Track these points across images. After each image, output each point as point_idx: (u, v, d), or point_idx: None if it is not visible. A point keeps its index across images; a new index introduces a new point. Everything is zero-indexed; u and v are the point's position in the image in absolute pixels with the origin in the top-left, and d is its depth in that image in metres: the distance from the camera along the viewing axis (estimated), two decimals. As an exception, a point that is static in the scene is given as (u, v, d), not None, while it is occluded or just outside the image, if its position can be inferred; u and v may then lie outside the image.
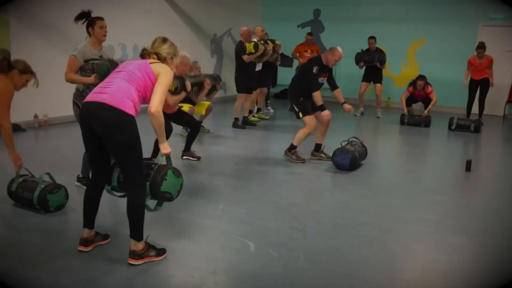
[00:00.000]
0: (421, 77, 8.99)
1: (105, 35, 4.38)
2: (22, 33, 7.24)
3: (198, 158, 5.77)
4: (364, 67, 10.00)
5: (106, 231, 3.38)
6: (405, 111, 9.13)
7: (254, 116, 8.72)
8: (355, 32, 12.01)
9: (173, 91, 4.76)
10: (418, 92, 9.03)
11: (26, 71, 3.76)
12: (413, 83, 9.05)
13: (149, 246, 3.07)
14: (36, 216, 3.78)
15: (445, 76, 10.89)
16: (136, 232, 3.00)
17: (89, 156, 3.15)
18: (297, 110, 5.79)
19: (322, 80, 5.77)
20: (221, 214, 4.00)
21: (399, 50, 11.50)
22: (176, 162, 5.51)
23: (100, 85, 3.03)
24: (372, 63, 9.69)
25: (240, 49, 7.84)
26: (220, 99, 10.90)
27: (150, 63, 3.06)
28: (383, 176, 5.52)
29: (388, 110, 11.11)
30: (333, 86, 5.98)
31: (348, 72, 12.11)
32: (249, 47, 7.74)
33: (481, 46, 9.09)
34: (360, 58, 9.82)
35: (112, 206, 3.96)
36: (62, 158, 5.60)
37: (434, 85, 9.33)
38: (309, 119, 5.70)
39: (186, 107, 6.63)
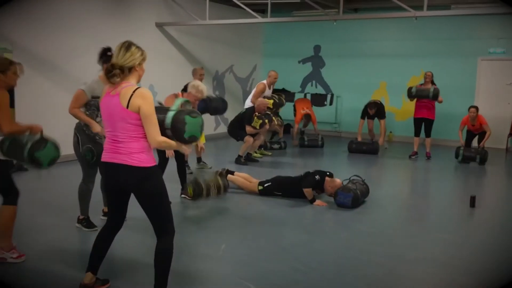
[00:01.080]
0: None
1: None
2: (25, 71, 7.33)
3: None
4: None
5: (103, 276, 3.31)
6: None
7: (256, 152, 8.73)
8: (355, 66, 12.16)
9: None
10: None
11: (5, 66, 3.55)
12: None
13: None
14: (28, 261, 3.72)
15: (445, 110, 10.92)
16: (163, 282, 2.92)
17: (109, 202, 3.13)
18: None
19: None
20: (222, 255, 3.94)
21: (400, 84, 11.57)
22: (174, 200, 5.50)
23: (110, 140, 2.92)
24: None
25: (249, 116, 8.16)
26: (221, 135, 10.93)
27: (120, 100, 2.82)
28: (386, 213, 5.46)
29: (390, 143, 11.10)
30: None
31: (349, 106, 12.20)
32: (256, 123, 8.07)
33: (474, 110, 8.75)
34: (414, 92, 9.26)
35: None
36: (65, 197, 5.56)
37: (435, 119, 9.33)
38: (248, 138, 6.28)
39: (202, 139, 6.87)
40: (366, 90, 12.06)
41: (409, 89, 8.98)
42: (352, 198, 5.39)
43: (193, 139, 3.09)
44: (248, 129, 8.08)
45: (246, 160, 8.12)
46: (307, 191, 5.60)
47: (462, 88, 11.04)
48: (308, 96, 12.37)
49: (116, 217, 3.13)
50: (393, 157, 9.42)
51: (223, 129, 11.51)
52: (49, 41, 7.59)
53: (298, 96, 12.37)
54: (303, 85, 13.01)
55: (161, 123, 2.94)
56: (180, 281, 3.39)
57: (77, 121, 4.44)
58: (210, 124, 11.69)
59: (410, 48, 11.55)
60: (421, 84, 9.19)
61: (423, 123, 9.11)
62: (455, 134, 9.16)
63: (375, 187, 6.19)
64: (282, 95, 9.33)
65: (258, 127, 8.09)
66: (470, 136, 9.06)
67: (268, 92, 8.77)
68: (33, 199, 5.07)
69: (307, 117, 10.46)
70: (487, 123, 8.78)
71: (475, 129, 8.89)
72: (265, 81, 8.75)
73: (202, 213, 5.20)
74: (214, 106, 6.62)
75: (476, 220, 5.39)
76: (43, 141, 3.58)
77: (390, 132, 11.75)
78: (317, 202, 5.60)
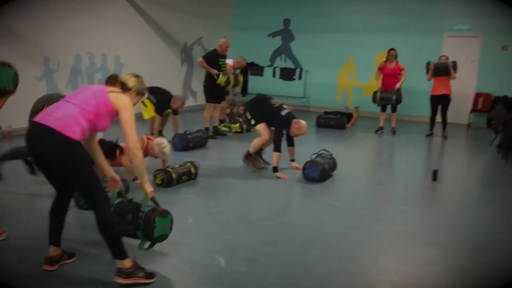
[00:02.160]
0: (392, 48, 9.17)
1: None
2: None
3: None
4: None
5: (72, 249, 3.29)
6: (379, 84, 9.23)
7: (224, 126, 8.70)
8: (324, 41, 12.18)
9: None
10: (390, 66, 9.14)
11: None
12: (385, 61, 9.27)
13: (137, 267, 2.96)
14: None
15: (411, 86, 11.13)
16: (116, 251, 2.90)
17: (44, 174, 3.06)
18: (250, 117, 5.99)
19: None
20: (191, 229, 3.96)
21: (367, 60, 11.69)
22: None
23: (52, 106, 2.95)
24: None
25: (213, 60, 7.80)
26: (190, 108, 10.84)
27: (110, 91, 2.98)
28: (353, 187, 5.58)
29: (357, 118, 11.25)
30: (290, 143, 6.02)
31: (318, 81, 12.26)
32: (221, 79, 7.81)
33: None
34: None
35: (78, 222, 3.86)
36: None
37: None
38: (261, 128, 5.86)
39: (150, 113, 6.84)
40: (335, 65, 12.15)
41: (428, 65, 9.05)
42: (320, 172, 5.48)
43: (162, 238, 3.27)
44: (200, 61, 7.75)
45: (213, 133, 8.08)
46: (275, 156, 5.67)
47: (428, 64, 11.23)
48: (277, 70, 12.35)
49: (56, 187, 3.08)
50: (360, 132, 9.59)
51: (191, 102, 11.41)
52: (13, 9, 7.24)
53: (267, 70, 12.35)
54: (273, 59, 12.97)
55: (135, 220, 3.17)
56: (149, 256, 3.39)
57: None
58: (179, 97, 11.55)
59: (378, 23, 11.63)
60: (385, 61, 9.29)
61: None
62: (420, 110, 9.39)
63: (342, 161, 6.29)
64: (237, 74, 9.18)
65: (222, 84, 7.87)
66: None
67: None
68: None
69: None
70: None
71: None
72: (231, 62, 8.59)
73: (169, 188, 5.18)
74: None
75: (437, 193, 5.58)
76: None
77: (358, 107, 11.90)
78: (279, 174, 5.68)
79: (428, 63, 9.13)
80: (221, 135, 8.17)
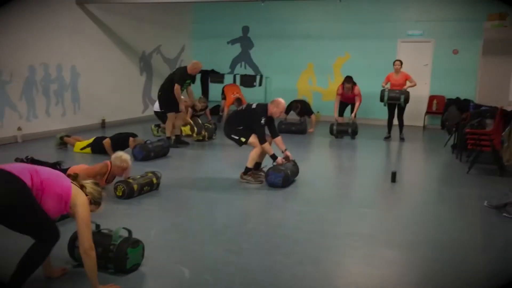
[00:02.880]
0: (348, 79, 9.36)
1: None
2: None
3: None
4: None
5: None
6: (336, 116, 9.47)
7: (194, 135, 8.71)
8: (283, 47, 12.32)
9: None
10: (347, 93, 9.40)
11: None
12: (342, 84, 9.44)
13: None
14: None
15: (367, 90, 11.41)
16: (20, 281, 2.72)
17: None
18: (237, 137, 5.78)
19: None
20: (153, 240, 3.90)
21: (326, 65, 11.91)
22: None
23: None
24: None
25: (180, 77, 7.79)
26: (150, 118, 10.70)
27: (73, 183, 2.95)
28: (315, 191, 5.65)
29: (317, 123, 11.42)
30: (274, 134, 5.94)
31: (278, 87, 12.36)
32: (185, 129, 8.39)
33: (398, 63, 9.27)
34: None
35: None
36: None
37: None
38: (254, 139, 5.70)
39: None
40: (294, 71, 12.31)
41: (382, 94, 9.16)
42: (283, 178, 5.52)
43: (135, 267, 3.28)
44: (177, 89, 7.67)
45: (175, 142, 8.01)
46: (265, 147, 5.63)
47: (383, 68, 11.50)
48: (238, 77, 12.38)
49: None
50: (320, 136, 9.72)
51: (150, 110, 11.25)
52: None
53: (227, 77, 12.35)
54: (232, 66, 13.01)
55: (106, 253, 3.17)
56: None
57: None
58: (138, 106, 11.41)
59: (335, 30, 11.88)
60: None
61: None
62: (378, 113, 9.64)
63: (304, 166, 6.36)
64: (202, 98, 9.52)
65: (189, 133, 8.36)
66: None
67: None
68: None
69: (238, 101, 10.50)
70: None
71: (399, 84, 9.23)
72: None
73: (125, 199, 5.09)
74: None
75: (396, 194, 5.72)
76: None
77: (318, 112, 12.08)
78: (279, 159, 5.66)
79: (382, 91, 9.21)
80: (183, 144, 8.10)
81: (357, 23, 11.66)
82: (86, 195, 2.97)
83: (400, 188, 5.87)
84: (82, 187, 3.00)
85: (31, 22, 8.14)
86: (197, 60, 8.27)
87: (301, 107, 10.17)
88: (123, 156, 5.10)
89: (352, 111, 9.57)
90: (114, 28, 10.22)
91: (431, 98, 11.36)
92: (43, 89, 8.56)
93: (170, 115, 7.93)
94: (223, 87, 11.19)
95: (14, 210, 2.65)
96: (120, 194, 4.95)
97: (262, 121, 5.63)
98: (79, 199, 2.85)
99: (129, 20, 10.65)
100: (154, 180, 5.28)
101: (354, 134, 9.21)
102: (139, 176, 5.18)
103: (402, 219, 4.67)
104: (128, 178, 5.11)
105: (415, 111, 11.20)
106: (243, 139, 5.75)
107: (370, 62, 11.58)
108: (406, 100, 8.98)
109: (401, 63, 9.24)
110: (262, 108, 5.75)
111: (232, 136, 5.85)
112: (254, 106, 5.82)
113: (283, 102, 5.76)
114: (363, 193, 5.68)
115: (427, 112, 11.37)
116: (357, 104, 9.44)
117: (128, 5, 10.12)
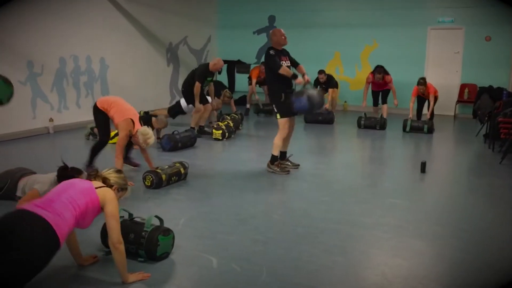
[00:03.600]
0: (379, 69, 9.17)
1: None
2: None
3: (137, 166, 5.77)
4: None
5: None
6: (364, 104, 9.35)
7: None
8: (310, 37, 12.20)
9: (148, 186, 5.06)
10: (377, 81, 9.22)
11: None
12: (373, 73, 9.27)
13: None
14: None
15: (397, 79, 11.22)
16: None
17: None
18: (276, 110, 5.70)
19: (286, 63, 5.67)
20: (182, 229, 3.95)
21: (353, 54, 11.75)
22: (131, 174, 5.44)
23: (42, 199, 2.79)
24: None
25: (200, 74, 7.83)
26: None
27: (96, 187, 2.92)
28: (341, 182, 5.61)
29: (345, 113, 11.32)
30: (295, 63, 5.86)
31: (308, 76, 12.26)
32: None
33: (422, 83, 9.02)
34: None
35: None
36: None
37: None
38: (284, 122, 5.64)
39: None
40: (321, 60, 12.18)
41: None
42: (307, 99, 5.35)
43: (165, 255, 3.35)
44: (197, 86, 7.74)
45: (199, 132, 8.03)
46: (284, 70, 5.47)
47: (412, 57, 11.33)
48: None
49: None
50: (347, 126, 9.62)
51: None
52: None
53: (254, 67, 12.31)
54: (259, 56, 12.98)
55: (137, 239, 3.24)
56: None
57: None
58: (166, 98, 11.52)
59: (363, 17, 11.69)
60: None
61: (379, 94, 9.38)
62: (407, 102, 9.45)
63: (331, 156, 6.33)
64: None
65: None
66: (420, 101, 9.37)
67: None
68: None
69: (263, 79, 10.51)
70: (434, 92, 9.06)
71: (426, 97, 9.19)
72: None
73: (158, 189, 5.16)
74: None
75: (426, 185, 5.63)
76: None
77: (345, 101, 11.97)
78: (298, 79, 5.52)
79: (405, 121, 9.00)
80: (206, 134, 8.13)
81: (385, 10, 11.44)
82: (112, 185, 3.04)
83: (429, 179, 5.77)
84: (105, 179, 3.05)
85: (61, 15, 8.29)
86: (220, 57, 8.28)
87: (327, 78, 10.10)
88: (150, 139, 5.13)
89: (383, 99, 9.37)
90: (141, 19, 10.32)
91: (463, 87, 11.09)
92: (73, 81, 8.74)
93: (198, 107, 7.96)
94: (249, 73, 11.20)
95: (27, 259, 2.52)
96: (149, 184, 5.03)
97: (271, 52, 5.54)
98: (107, 197, 2.91)
99: (156, 12, 10.73)
100: (182, 170, 5.34)
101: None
102: (167, 166, 5.25)
103: (432, 210, 4.59)
104: (157, 168, 5.18)
105: (446, 100, 10.97)
106: (278, 116, 5.64)
107: (399, 50, 11.37)
108: (430, 130, 8.75)
109: (425, 81, 8.99)
110: (265, 50, 5.70)
111: (274, 106, 5.71)
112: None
113: (278, 29, 5.71)
114: (391, 183, 5.61)
115: (458, 101, 11.11)
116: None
117: (155, -4, 10.20)
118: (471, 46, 10.95)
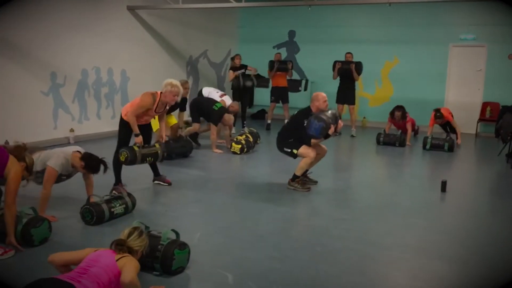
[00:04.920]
0: (398, 108, 9.25)
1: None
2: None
3: (169, 184, 5.69)
4: (338, 87, 10.15)
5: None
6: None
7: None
8: (330, 52, 12.17)
9: (121, 161, 5.13)
10: (397, 122, 9.36)
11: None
12: (392, 113, 9.34)
13: None
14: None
15: (418, 95, 11.12)
16: None
17: None
18: (289, 150, 5.66)
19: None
20: (198, 244, 3.92)
21: (373, 70, 11.68)
22: (147, 188, 5.45)
23: (74, 271, 2.80)
24: (346, 70, 9.79)
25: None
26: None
27: (118, 259, 2.86)
28: (360, 199, 5.53)
29: (364, 129, 11.23)
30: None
31: (324, 92, 12.21)
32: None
33: (439, 116, 9.16)
34: (336, 64, 9.99)
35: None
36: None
37: (408, 104, 9.53)
38: (304, 150, 5.57)
39: (156, 125, 6.55)
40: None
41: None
42: (322, 127, 5.35)
43: (180, 269, 3.33)
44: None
45: (189, 137, 7.96)
46: (314, 142, 5.51)
47: (434, 74, 11.21)
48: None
49: None
50: (366, 142, 9.53)
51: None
52: (19, 27, 7.33)
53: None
54: (278, 71, 12.97)
55: (153, 252, 3.24)
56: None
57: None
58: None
59: (384, 34, 11.64)
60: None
61: None
62: (428, 120, 9.34)
63: (350, 173, 6.26)
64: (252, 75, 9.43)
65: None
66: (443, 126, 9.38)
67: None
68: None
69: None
70: (452, 119, 9.13)
71: (443, 123, 9.35)
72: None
73: (174, 201, 5.16)
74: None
75: (447, 205, 5.51)
76: (40, 219, 3.75)
77: (364, 117, 11.88)
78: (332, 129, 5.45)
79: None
80: (194, 143, 7.94)
81: (406, 27, 11.38)
82: (137, 251, 3.03)
83: (450, 198, 5.65)
84: (130, 249, 2.99)
85: (84, 28, 8.43)
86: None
87: (356, 65, 9.93)
88: (173, 81, 5.22)
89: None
90: (162, 33, 10.45)
91: (485, 105, 10.91)
92: (94, 92, 8.85)
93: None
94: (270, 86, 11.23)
95: None
96: (123, 159, 5.07)
97: (305, 123, 5.51)
98: (127, 268, 2.82)
99: (177, 26, 10.85)
100: (159, 152, 5.33)
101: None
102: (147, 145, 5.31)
103: (453, 231, 4.49)
104: (135, 144, 5.17)
105: (468, 118, 10.81)
106: (295, 151, 5.61)
107: (420, 67, 11.28)
108: (450, 148, 8.62)
109: (441, 114, 9.11)
110: (303, 111, 5.68)
111: (285, 149, 5.73)
112: (295, 115, 5.78)
113: (320, 93, 5.67)
114: (411, 202, 5.51)
115: (480, 119, 10.93)
116: (408, 131, 9.25)
117: (176, 10, 10.31)
118: (493, 64, 10.80)
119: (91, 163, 4.38)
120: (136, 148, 5.11)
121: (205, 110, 8.02)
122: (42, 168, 4.28)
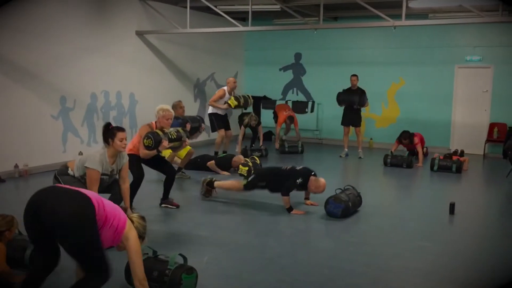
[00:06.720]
0: (405, 134, 9.37)
1: (124, 147, 4.34)
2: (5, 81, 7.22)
3: (177, 206, 5.70)
4: (343, 109, 10.19)
5: None
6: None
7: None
8: (335, 74, 12.26)
9: (147, 147, 5.02)
10: (406, 145, 9.50)
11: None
12: (399, 139, 9.43)
13: None
14: None
15: (424, 116, 11.12)
16: None
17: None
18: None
19: None
20: (206, 268, 3.92)
21: (379, 91, 11.72)
22: (154, 211, 5.46)
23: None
24: (352, 105, 9.85)
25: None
26: (204, 143, 10.90)
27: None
28: (369, 222, 5.50)
29: (370, 150, 11.22)
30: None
31: (330, 114, 12.27)
32: (232, 102, 8.38)
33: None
34: (342, 99, 9.96)
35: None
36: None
37: (414, 125, 9.55)
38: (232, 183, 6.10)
39: (166, 153, 6.60)
40: (347, 98, 12.16)
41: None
42: (343, 209, 5.41)
43: None
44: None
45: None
46: (285, 199, 5.60)
47: (440, 95, 11.23)
48: (290, 104, 12.41)
49: (45, 256, 2.98)
50: (373, 163, 9.51)
51: (202, 137, 11.46)
52: (29, 49, 7.49)
53: (279, 103, 12.41)
54: (284, 93, 13.07)
55: (161, 277, 3.22)
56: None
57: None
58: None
59: (389, 56, 11.72)
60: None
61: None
62: (434, 141, 9.36)
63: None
64: (249, 95, 9.17)
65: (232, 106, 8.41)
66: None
67: (228, 97, 8.65)
68: (14, 211, 4.97)
69: (290, 119, 10.49)
70: (421, 146, 9.36)
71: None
72: (225, 88, 8.71)
73: (182, 225, 5.17)
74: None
75: (455, 227, 5.48)
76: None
77: (371, 139, 11.88)
78: (294, 211, 5.59)
79: (433, 160, 8.88)
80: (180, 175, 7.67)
81: (412, 49, 11.45)
82: (140, 236, 3.09)
83: (459, 221, 5.62)
84: (137, 228, 3.09)
85: (94, 52, 8.58)
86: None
87: (360, 93, 9.90)
88: (163, 106, 5.39)
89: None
90: (170, 56, 10.59)
91: (492, 126, 10.88)
92: (103, 115, 8.95)
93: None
94: (274, 109, 11.27)
95: (80, 232, 2.74)
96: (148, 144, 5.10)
97: (298, 181, 5.64)
98: (132, 233, 2.95)
99: (184, 49, 11.00)
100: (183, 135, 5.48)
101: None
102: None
103: (463, 254, 4.45)
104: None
105: (475, 139, 10.78)
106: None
107: (426, 88, 11.30)
108: (458, 169, 8.58)
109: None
110: (306, 172, 5.74)
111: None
112: (298, 168, 5.84)
113: (323, 185, 5.69)
114: (419, 225, 5.47)
115: (488, 140, 10.89)
116: (420, 153, 9.23)
117: (184, 34, 10.47)
118: (500, 84, 10.80)
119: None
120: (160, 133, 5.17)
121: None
122: (84, 173, 4.26)
